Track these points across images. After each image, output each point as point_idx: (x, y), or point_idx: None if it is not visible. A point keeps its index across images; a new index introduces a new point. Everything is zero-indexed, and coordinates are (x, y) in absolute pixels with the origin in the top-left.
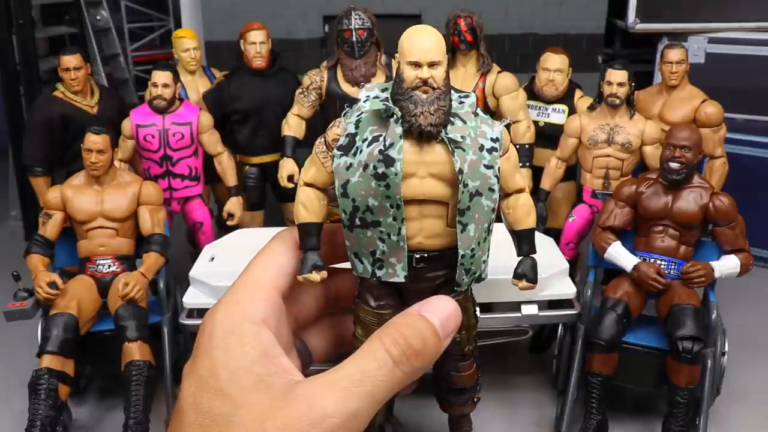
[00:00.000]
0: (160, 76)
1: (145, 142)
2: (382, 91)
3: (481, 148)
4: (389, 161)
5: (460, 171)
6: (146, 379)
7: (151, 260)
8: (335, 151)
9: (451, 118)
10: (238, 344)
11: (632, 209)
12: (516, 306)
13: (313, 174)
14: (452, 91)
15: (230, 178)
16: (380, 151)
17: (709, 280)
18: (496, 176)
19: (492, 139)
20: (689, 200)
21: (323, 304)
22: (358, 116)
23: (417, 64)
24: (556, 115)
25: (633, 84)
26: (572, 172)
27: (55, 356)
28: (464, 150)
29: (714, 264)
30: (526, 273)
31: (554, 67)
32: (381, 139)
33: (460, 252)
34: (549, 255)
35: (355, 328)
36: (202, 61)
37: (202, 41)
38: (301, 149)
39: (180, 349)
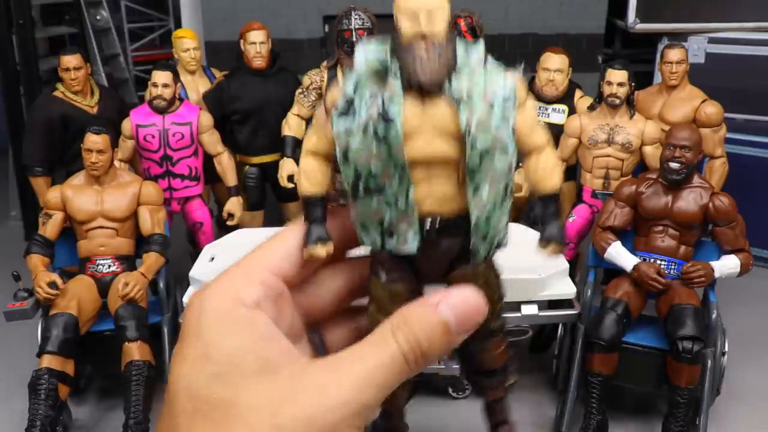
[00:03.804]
0: (160, 76)
1: (145, 142)
2: (380, 46)
3: (492, 102)
4: (389, 120)
5: (467, 129)
6: (146, 379)
7: (151, 260)
8: (334, 116)
9: (457, 72)
10: (232, 327)
11: (632, 209)
12: (516, 306)
13: (315, 142)
14: (458, 41)
15: (230, 178)
16: (378, 111)
17: (709, 280)
18: (509, 134)
19: (504, 92)
20: (689, 200)
21: (344, 296)
22: (355, 77)
23: (414, 15)
24: (556, 115)
25: (633, 84)
26: (572, 172)
27: (55, 356)
28: (471, 106)
29: (714, 264)
30: (554, 235)
31: (554, 67)
32: (379, 97)
33: (473, 216)
34: None
35: (369, 304)
36: (202, 61)
37: (202, 41)
38: (301, 149)
39: None
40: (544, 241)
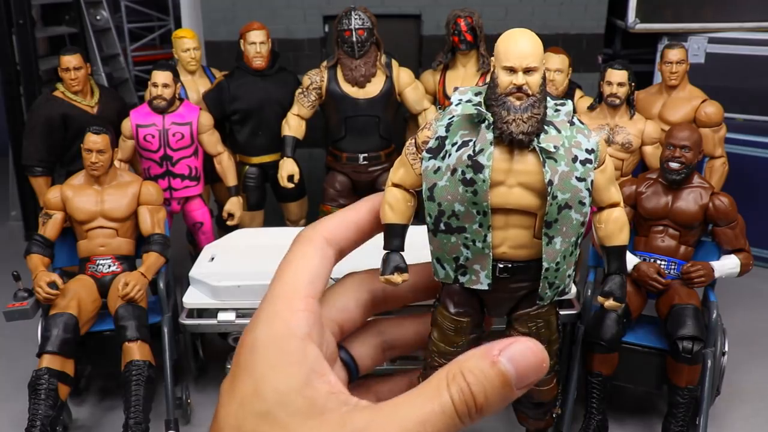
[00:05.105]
0: (160, 76)
1: (145, 142)
2: (476, 95)
3: (575, 159)
4: (478, 167)
5: (550, 182)
6: (146, 379)
7: (151, 260)
8: (424, 154)
9: (545, 127)
10: (284, 362)
11: (632, 209)
12: None
13: (402, 175)
14: (548, 99)
15: (230, 178)
16: (469, 156)
17: (709, 279)
18: (588, 189)
19: (587, 150)
20: (689, 200)
21: (370, 307)
22: (449, 119)
23: (512, 70)
24: None
25: (633, 84)
26: None
27: (55, 356)
28: (556, 161)
29: (714, 264)
30: (614, 291)
31: (554, 67)
32: (471, 144)
33: (545, 265)
34: None
35: (432, 331)
36: (202, 61)
37: (202, 41)
38: (301, 149)
39: (180, 349)
40: (604, 294)
